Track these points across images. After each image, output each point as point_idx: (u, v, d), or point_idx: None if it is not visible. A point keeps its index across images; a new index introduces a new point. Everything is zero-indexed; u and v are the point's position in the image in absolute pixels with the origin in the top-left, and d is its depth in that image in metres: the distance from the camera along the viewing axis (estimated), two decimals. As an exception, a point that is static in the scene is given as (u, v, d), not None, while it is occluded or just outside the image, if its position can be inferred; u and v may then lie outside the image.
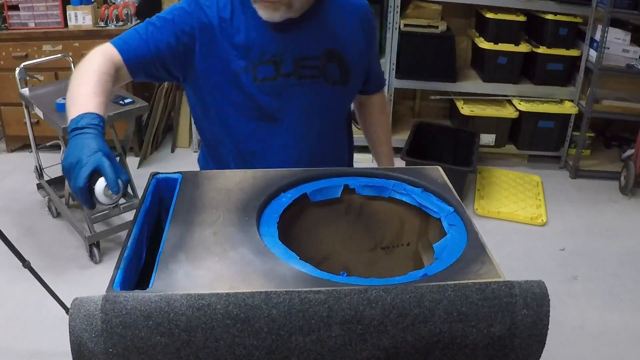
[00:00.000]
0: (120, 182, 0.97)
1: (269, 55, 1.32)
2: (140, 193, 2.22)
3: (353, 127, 1.67)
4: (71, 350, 0.82)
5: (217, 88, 1.33)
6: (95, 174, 0.97)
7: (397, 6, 3.55)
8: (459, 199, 1.18)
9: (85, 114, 1.05)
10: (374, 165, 1.78)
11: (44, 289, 2.20)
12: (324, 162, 1.42)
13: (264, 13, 1.27)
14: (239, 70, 1.31)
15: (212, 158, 1.48)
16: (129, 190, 3.05)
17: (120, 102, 2.79)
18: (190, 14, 1.29)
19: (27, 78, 2.91)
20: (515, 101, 3.76)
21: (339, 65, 1.39)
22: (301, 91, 1.36)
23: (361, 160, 1.76)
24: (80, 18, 3.58)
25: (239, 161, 1.41)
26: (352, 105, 1.66)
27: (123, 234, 2.89)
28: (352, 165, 1.66)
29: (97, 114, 1.06)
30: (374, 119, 1.69)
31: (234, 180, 1.20)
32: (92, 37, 3.56)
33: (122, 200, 2.99)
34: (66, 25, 3.61)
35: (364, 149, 1.78)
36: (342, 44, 1.39)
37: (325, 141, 1.46)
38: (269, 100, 1.34)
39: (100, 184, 0.96)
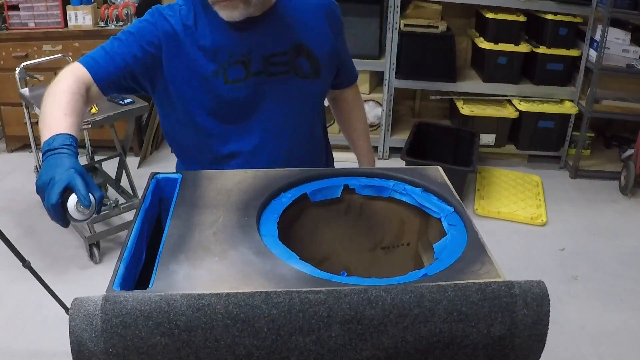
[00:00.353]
0: (92, 197, 0.99)
1: (237, 56, 1.33)
2: (140, 193, 2.22)
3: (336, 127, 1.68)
4: (71, 350, 0.82)
5: (188, 94, 1.33)
6: (67, 191, 0.98)
7: (397, 6, 3.55)
8: (459, 199, 1.18)
9: (58, 135, 1.07)
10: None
11: (44, 289, 2.20)
12: (302, 161, 1.42)
13: (223, 13, 1.28)
14: (209, 74, 1.32)
15: (187, 168, 1.48)
16: (129, 190, 3.05)
17: (120, 102, 2.78)
18: (154, 25, 1.30)
19: (27, 78, 2.91)
20: (515, 101, 3.75)
21: (308, 59, 1.39)
22: (273, 88, 1.37)
23: (349, 160, 1.75)
24: (80, 18, 3.58)
25: (216, 166, 1.40)
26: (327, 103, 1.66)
27: (123, 234, 2.89)
28: (333, 166, 1.66)
29: (69, 134, 1.08)
30: (349, 114, 1.69)
31: (234, 180, 1.20)
32: (92, 37, 3.56)
33: (122, 200, 2.99)
34: (66, 25, 3.61)
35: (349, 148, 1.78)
36: (309, 38, 1.40)
37: (301, 139, 1.45)
38: (242, 101, 1.35)
39: (72, 200, 0.98)
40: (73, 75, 1.23)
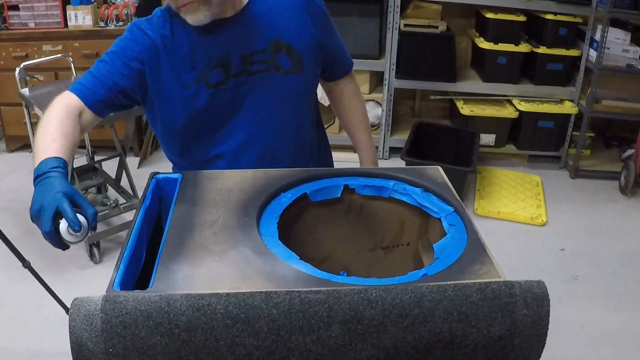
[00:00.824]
0: (83, 218, 0.99)
1: (216, 59, 1.33)
2: (140, 193, 2.22)
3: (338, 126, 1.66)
4: (71, 350, 0.82)
5: (170, 104, 1.34)
6: (58, 216, 0.98)
7: (397, 6, 3.55)
8: (459, 199, 1.18)
9: (44, 160, 1.08)
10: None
11: (44, 289, 2.20)
12: (289, 159, 1.42)
13: (188, 18, 1.28)
14: (190, 81, 1.32)
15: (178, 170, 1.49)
16: (129, 190, 3.05)
17: (120, 102, 2.78)
18: (134, 40, 1.32)
19: (27, 78, 2.91)
20: (515, 101, 3.76)
21: (288, 55, 1.38)
22: (254, 87, 1.36)
23: (349, 160, 1.74)
24: (80, 18, 3.58)
25: (206, 167, 1.41)
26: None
27: (123, 234, 2.89)
28: (332, 165, 1.65)
29: (56, 157, 1.09)
30: (346, 106, 1.65)
31: (234, 180, 1.20)
32: (92, 37, 3.56)
33: (122, 200, 2.99)
34: (66, 25, 3.61)
35: (349, 148, 1.75)
36: (288, 33, 1.38)
37: (287, 136, 1.44)
38: (225, 104, 1.35)
39: (64, 225, 0.98)
40: (62, 102, 1.25)
